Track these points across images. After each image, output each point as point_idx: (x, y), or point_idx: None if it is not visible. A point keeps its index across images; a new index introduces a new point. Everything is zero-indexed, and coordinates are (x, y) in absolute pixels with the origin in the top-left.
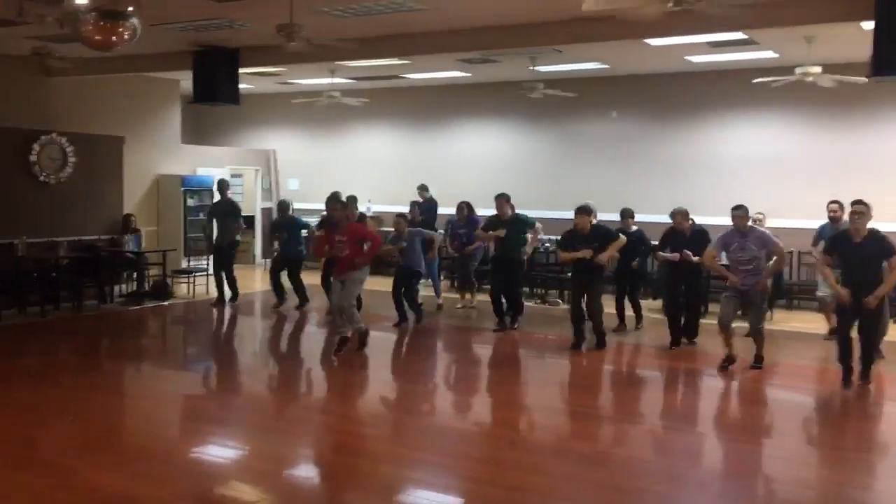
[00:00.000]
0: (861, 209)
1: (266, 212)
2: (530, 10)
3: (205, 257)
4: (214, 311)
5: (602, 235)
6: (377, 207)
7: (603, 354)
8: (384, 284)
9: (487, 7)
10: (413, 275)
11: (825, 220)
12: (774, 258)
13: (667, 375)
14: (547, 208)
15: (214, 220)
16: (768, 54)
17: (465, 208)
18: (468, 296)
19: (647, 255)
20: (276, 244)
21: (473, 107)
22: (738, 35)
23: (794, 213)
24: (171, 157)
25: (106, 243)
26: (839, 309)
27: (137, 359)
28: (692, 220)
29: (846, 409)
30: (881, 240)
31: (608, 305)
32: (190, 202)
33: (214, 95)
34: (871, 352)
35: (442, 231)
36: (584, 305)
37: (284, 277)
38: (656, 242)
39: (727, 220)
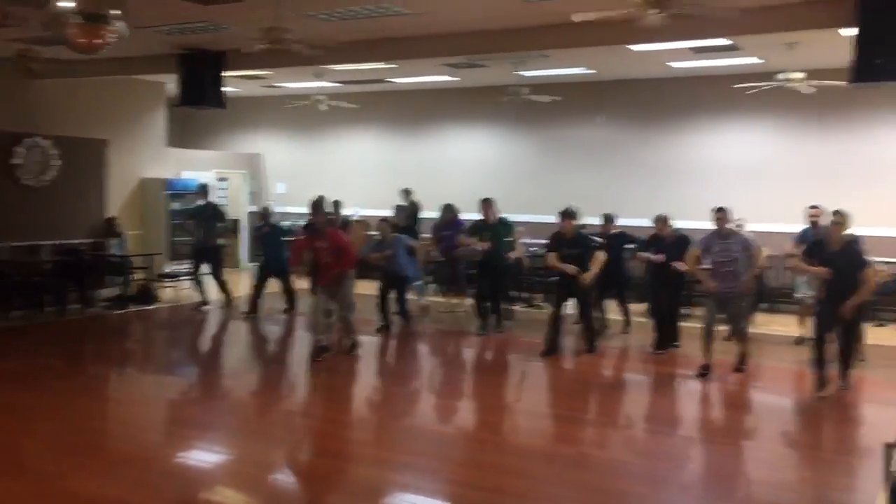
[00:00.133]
0: (839, 220)
1: (253, 216)
2: (516, 15)
3: (189, 261)
4: (199, 315)
5: (584, 243)
6: (364, 211)
7: (588, 358)
8: (371, 289)
9: (473, 12)
10: (399, 279)
11: (805, 225)
12: (751, 262)
13: (650, 379)
14: (532, 212)
15: (195, 223)
16: (751, 60)
17: (450, 211)
18: (456, 299)
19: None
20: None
21: (460, 111)
22: (722, 41)
23: (775, 218)
24: (155, 160)
25: (89, 247)
26: (816, 315)
27: (121, 363)
28: (671, 225)
29: (826, 411)
30: (855, 252)
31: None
32: (175, 206)
33: (200, 99)
34: (850, 357)
35: (428, 235)
36: (563, 312)
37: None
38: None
39: (709, 225)
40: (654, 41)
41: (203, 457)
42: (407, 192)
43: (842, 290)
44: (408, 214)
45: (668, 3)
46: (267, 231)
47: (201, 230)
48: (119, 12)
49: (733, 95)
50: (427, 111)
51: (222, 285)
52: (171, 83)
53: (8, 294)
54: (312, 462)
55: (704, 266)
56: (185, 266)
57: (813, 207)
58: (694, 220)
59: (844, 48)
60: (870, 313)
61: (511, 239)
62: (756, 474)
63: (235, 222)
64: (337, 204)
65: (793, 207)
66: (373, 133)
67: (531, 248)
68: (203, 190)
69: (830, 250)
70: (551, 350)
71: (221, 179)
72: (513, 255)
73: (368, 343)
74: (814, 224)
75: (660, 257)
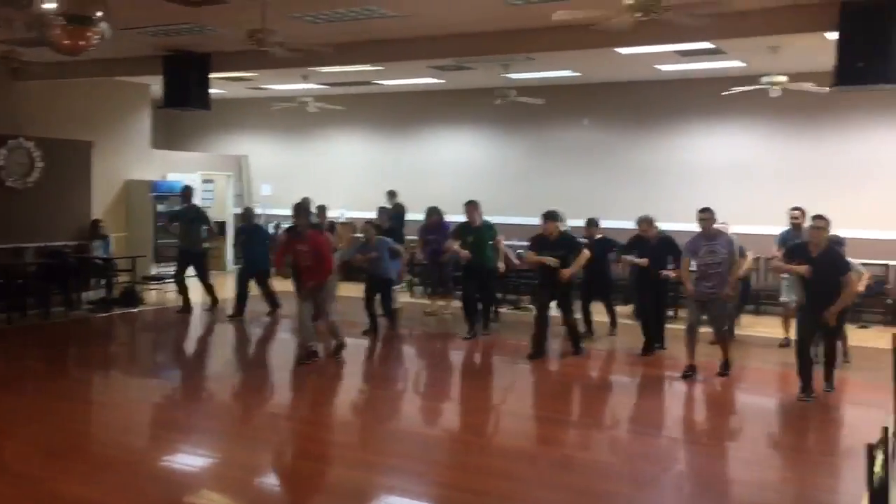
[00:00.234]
0: (820, 224)
1: (239, 218)
2: (502, 18)
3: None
4: (183, 318)
5: (567, 245)
6: (350, 213)
7: (574, 360)
8: (357, 291)
9: (460, 14)
10: (384, 282)
11: (787, 227)
12: (733, 266)
13: (635, 381)
14: (518, 214)
15: (179, 226)
16: (735, 63)
17: (435, 214)
18: (442, 301)
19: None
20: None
21: (446, 113)
22: (706, 45)
23: (760, 220)
24: (140, 162)
25: (74, 249)
26: (799, 321)
27: (105, 366)
28: (656, 227)
29: (810, 413)
30: (837, 257)
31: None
32: (160, 208)
33: (185, 100)
34: (834, 361)
35: (414, 237)
36: (548, 315)
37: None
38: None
39: (695, 227)
40: (638, 44)
41: (187, 460)
42: (392, 194)
43: (823, 295)
44: (393, 216)
45: (650, 8)
46: (248, 232)
47: (185, 233)
48: (102, 14)
49: (719, 98)
50: (413, 113)
51: (208, 288)
52: (156, 85)
53: None
54: (298, 465)
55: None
56: (170, 268)
57: (795, 209)
58: (680, 223)
59: (828, 52)
60: (850, 315)
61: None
62: (741, 475)
63: (222, 224)
64: (322, 208)
65: (778, 209)
66: (359, 135)
67: (518, 252)
68: (186, 192)
69: (812, 255)
70: (538, 352)
71: (207, 181)
72: (500, 265)
73: (355, 346)
74: (795, 226)
75: (643, 261)
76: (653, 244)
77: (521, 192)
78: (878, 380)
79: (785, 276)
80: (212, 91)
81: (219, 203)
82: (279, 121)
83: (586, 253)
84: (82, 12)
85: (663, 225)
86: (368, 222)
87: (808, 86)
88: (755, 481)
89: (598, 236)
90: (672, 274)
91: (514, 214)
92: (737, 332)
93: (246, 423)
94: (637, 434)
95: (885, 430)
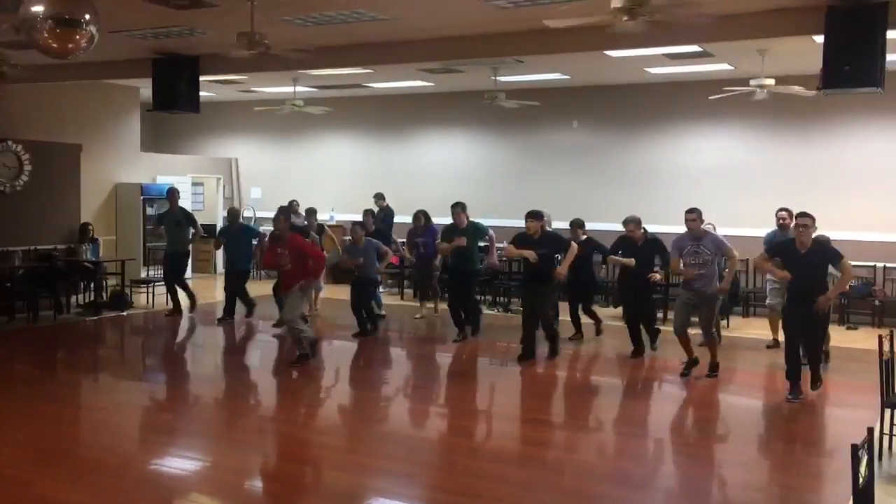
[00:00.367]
0: (806, 222)
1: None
2: (492, 21)
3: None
4: (171, 321)
5: (551, 241)
6: (340, 216)
7: (563, 363)
8: (344, 293)
9: (449, 18)
10: (369, 283)
11: (773, 228)
12: (728, 262)
13: (625, 383)
14: (508, 217)
15: (164, 229)
16: (723, 66)
17: (423, 217)
18: (430, 305)
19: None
20: (219, 251)
21: (436, 116)
22: (695, 48)
23: (748, 222)
24: (130, 165)
25: (63, 252)
26: (786, 323)
27: (94, 370)
28: (644, 228)
29: (797, 414)
30: (825, 248)
31: (564, 314)
32: (149, 211)
33: (174, 103)
34: (819, 357)
35: (402, 240)
36: (536, 316)
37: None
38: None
39: (684, 229)
40: (627, 47)
41: (177, 463)
42: (380, 197)
43: (809, 293)
44: (381, 219)
45: (640, 11)
46: (232, 233)
47: (173, 236)
48: (89, 16)
49: (708, 101)
50: (403, 116)
51: (184, 289)
52: (145, 88)
53: None
54: (287, 468)
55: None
56: (159, 271)
57: (782, 210)
58: (670, 225)
59: (816, 54)
60: (838, 316)
61: (486, 244)
62: (730, 476)
63: (212, 228)
64: (312, 211)
65: (766, 212)
66: (349, 138)
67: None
68: (171, 195)
69: (799, 252)
70: (527, 354)
71: (197, 184)
72: (493, 260)
73: (345, 349)
74: (782, 227)
75: (630, 261)
76: (639, 245)
77: (511, 195)
78: (865, 381)
79: (770, 277)
80: (202, 94)
81: (209, 206)
82: (269, 124)
83: (574, 247)
84: (70, 15)
85: (653, 227)
86: (356, 223)
87: (795, 89)
88: (743, 482)
89: (583, 237)
90: (658, 276)
91: (503, 217)
92: (725, 333)
93: (235, 426)
94: (627, 436)
95: (870, 430)
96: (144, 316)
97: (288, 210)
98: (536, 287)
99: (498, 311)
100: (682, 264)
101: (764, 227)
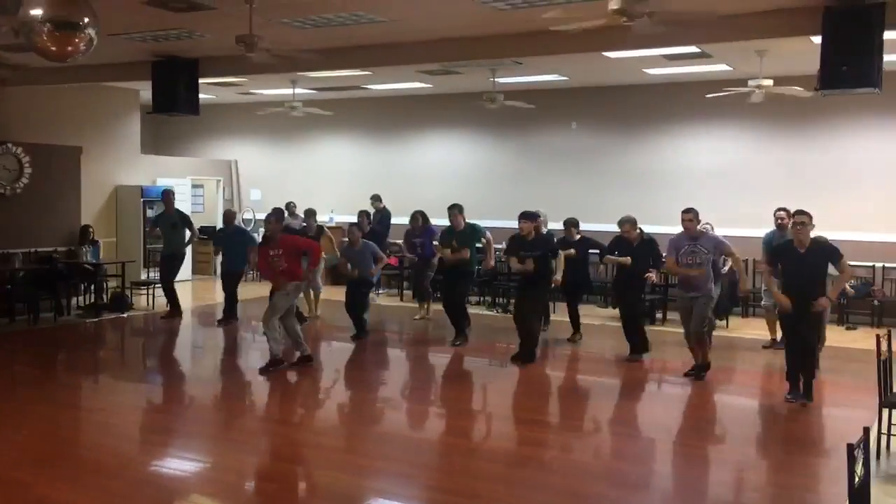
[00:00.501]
0: (803, 220)
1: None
2: (490, 23)
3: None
4: (171, 323)
5: (544, 244)
6: (339, 217)
7: (561, 363)
8: (343, 295)
9: (447, 19)
10: (363, 284)
11: (771, 228)
12: (730, 263)
13: (622, 383)
14: (507, 218)
15: (160, 231)
16: (722, 67)
17: (420, 218)
18: (425, 306)
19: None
20: (219, 256)
21: (435, 118)
22: (693, 49)
23: (747, 223)
24: (130, 167)
25: (63, 255)
26: (785, 323)
27: (94, 371)
28: (640, 229)
29: (795, 414)
30: (825, 247)
31: (563, 314)
32: (150, 213)
33: (174, 106)
34: (812, 371)
35: (400, 241)
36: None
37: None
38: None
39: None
40: (625, 48)
41: (176, 465)
42: (376, 199)
43: (811, 289)
44: (378, 220)
45: (639, 12)
46: (228, 234)
47: (169, 237)
48: (88, 19)
49: (706, 102)
50: (402, 118)
51: (171, 293)
52: (145, 90)
53: None
54: (287, 469)
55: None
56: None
57: (780, 210)
58: (668, 225)
59: (814, 55)
60: (837, 316)
61: (481, 245)
62: (727, 477)
63: (212, 229)
64: (311, 212)
65: (764, 212)
66: (348, 139)
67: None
68: (167, 197)
69: (797, 252)
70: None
71: (196, 186)
72: (490, 262)
73: (342, 350)
74: (781, 227)
75: (626, 260)
76: (634, 246)
77: (510, 196)
78: (863, 380)
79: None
80: (201, 96)
81: (209, 208)
82: (269, 126)
83: (562, 256)
84: (69, 18)
85: (652, 228)
86: (353, 225)
87: (794, 90)
88: (740, 482)
89: (578, 237)
90: (653, 277)
91: (502, 218)
92: (725, 333)
93: (234, 427)
94: (625, 436)
95: (866, 430)
96: (145, 318)
97: (279, 212)
98: (527, 290)
99: (497, 312)
100: (678, 265)
101: (763, 228)
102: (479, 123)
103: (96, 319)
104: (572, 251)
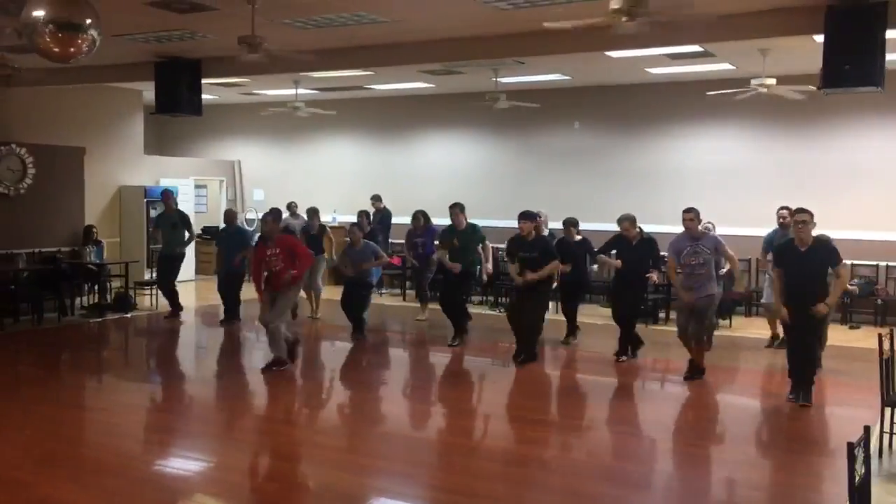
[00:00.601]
0: (804, 218)
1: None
2: (492, 23)
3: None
4: (173, 323)
5: (542, 246)
6: (342, 218)
7: (560, 363)
8: (337, 293)
9: (449, 19)
10: (363, 286)
11: (774, 227)
12: (728, 267)
13: (623, 383)
14: (509, 218)
15: (161, 231)
16: (724, 66)
17: (422, 217)
18: (423, 306)
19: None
20: (219, 257)
21: (438, 117)
22: (695, 48)
23: (750, 222)
24: (133, 167)
25: (67, 255)
26: (787, 323)
27: (98, 371)
28: (639, 228)
29: (798, 413)
30: (827, 248)
31: (560, 314)
32: (153, 213)
33: (177, 106)
34: (813, 372)
35: (400, 241)
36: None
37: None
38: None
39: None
40: (628, 48)
41: (179, 464)
42: (376, 199)
43: (812, 289)
44: (379, 220)
45: (640, 11)
46: (226, 233)
47: (168, 238)
48: (90, 21)
49: (709, 101)
50: (405, 117)
51: (169, 293)
52: (148, 91)
53: None
54: (289, 468)
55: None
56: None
57: (783, 209)
58: (671, 225)
59: (818, 54)
60: (840, 315)
61: (482, 244)
62: (728, 475)
63: (215, 229)
64: (313, 211)
65: (767, 211)
66: (351, 139)
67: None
68: (166, 197)
69: (798, 251)
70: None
71: (200, 186)
72: (488, 267)
73: (342, 350)
74: (783, 226)
75: (616, 262)
76: (633, 244)
77: (513, 196)
78: (866, 380)
79: (769, 273)
80: (204, 97)
81: (212, 208)
82: (271, 126)
83: (556, 264)
84: (72, 19)
85: (655, 227)
86: (354, 225)
87: (791, 90)
88: (743, 481)
89: (578, 238)
90: (654, 277)
91: (504, 218)
92: (728, 333)
93: (237, 426)
94: (625, 435)
95: (867, 428)
96: (148, 318)
97: (277, 212)
98: (531, 292)
99: (499, 312)
100: (676, 270)
101: (765, 227)
102: (481, 123)
103: (100, 319)
104: (567, 268)
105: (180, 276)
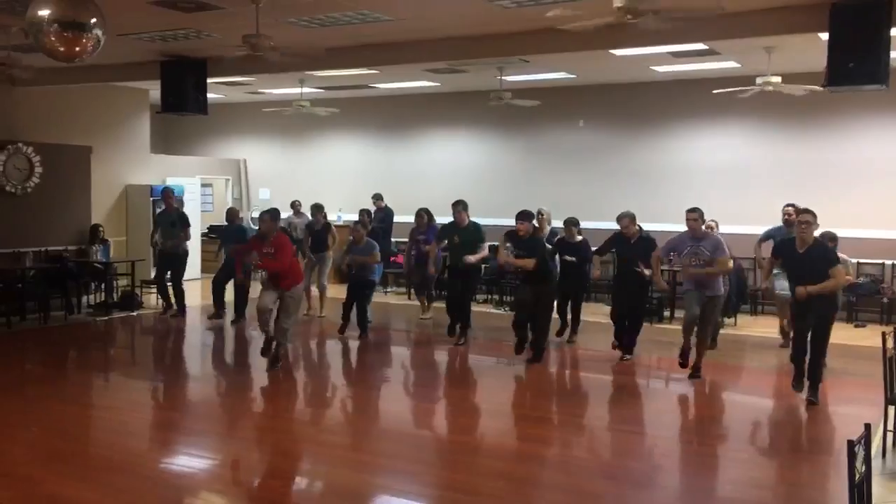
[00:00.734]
0: (808, 219)
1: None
2: (496, 21)
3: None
4: (178, 321)
5: (531, 247)
6: (347, 216)
7: (563, 361)
8: (340, 292)
9: (453, 18)
10: (366, 284)
11: (777, 224)
12: (717, 263)
13: (626, 381)
14: (514, 217)
15: (160, 230)
16: (730, 64)
17: (425, 215)
18: (428, 305)
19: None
20: (220, 253)
21: (442, 116)
22: (700, 46)
23: (755, 220)
24: (140, 166)
25: (73, 254)
26: (794, 311)
27: (104, 369)
28: (639, 226)
29: (801, 412)
30: (826, 248)
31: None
32: (159, 212)
33: (182, 106)
34: (819, 371)
35: (403, 240)
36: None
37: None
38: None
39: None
40: (632, 46)
41: (184, 462)
42: (378, 198)
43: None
44: (381, 219)
45: (644, 10)
46: (228, 232)
47: (167, 236)
48: (95, 20)
49: (714, 99)
50: (410, 116)
51: (179, 294)
52: (155, 90)
53: None
54: (294, 466)
55: (667, 268)
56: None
57: (788, 206)
58: (674, 224)
59: (823, 52)
60: (846, 313)
61: (482, 244)
62: (732, 474)
63: (220, 228)
64: (318, 207)
65: (772, 209)
66: (356, 138)
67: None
68: (165, 195)
69: (798, 251)
70: (523, 346)
71: (206, 185)
72: (470, 258)
73: (346, 349)
74: (788, 223)
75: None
76: (632, 242)
77: (517, 195)
78: (871, 378)
79: (776, 271)
80: (210, 96)
81: (218, 207)
82: (277, 125)
83: (530, 263)
84: (76, 19)
85: (659, 226)
86: (357, 222)
87: (797, 88)
88: (747, 479)
89: (579, 238)
90: (648, 272)
91: (509, 217)
92: (733, 331)
93: (242, 424)
94: (628, 433)
95: (868, 426)
96: (154, 316)
97: (275, 211)
98: (538, 287)
99: (505, 310)
100: (676, 265)
101: (770, 226)
102: (486, 121)
103: (106, 318)
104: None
105: (186, 275)
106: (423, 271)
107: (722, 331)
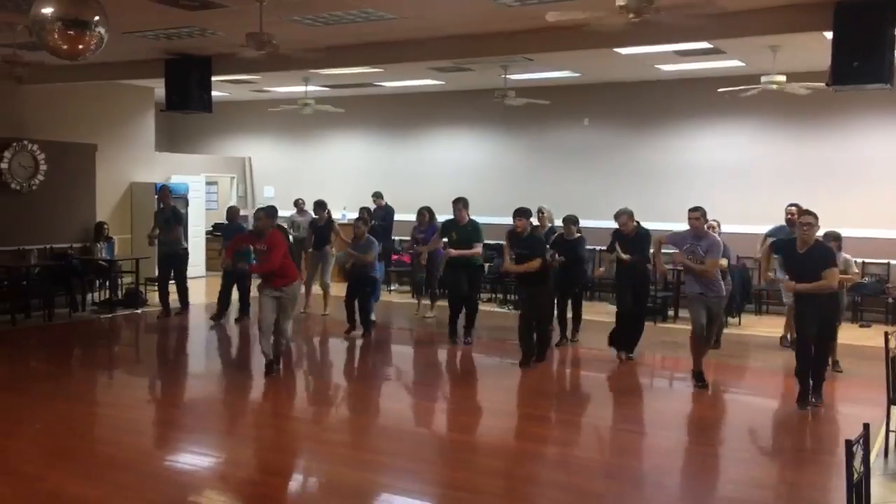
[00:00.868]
0: (810, 220)
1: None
2: (501, 19)
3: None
4: (181, 319)
5: (531, 244)
6: (351, 214)
7: (564, 360)
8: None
9: (457, 16)
10: (367, 281)
11: (780, 223)
12: (708, 260)
13: (629, 381)
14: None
15: (159, 228)
16: (734, 63)
17: (427, 213)
18: (432, 304)
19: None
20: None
21: (447, 114)
22: (705, 44)
23: (758, 220)
24: (145, 164)
25: (78, 251)
26: (798, 321)
27: (109, 367)
28: (637, 222)
29: (805, 412)
30: (826, 249)
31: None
32: (157, 209)
33: (187, 103)
34: (823, 372)
35: (405, 238)
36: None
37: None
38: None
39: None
40: (636, 45)
41: (189, 460)
42: (378, 196)
43: (810, 294)
44: (381, 217)
45: (646, 8)
46: (229, 231)
47: (166, 234)
48: (98, 18)
49: (718, 98)
50: (414, 115)
51: (183, 292)
52: (159, 88)
53: None
54: (299, 464)
55: (671, 267)
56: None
57: (792, 205)
58: (679, 223)
59: (827, 51)
60: (851, 314)
61: (477, 243)
62: (732, 474)
63: (223, 227)
64: (321, 204)
65: (776, 209)
66: (360, 136)
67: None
68: (162, 192)
69: (798, 251)
70: (529, 360)
71: (210, 183)
72: (452, 252)
73: (349, 347)
74: (790, 223)
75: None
76: (631, 239)
77: (521, 193)
78: (875, 378)
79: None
80: (215, 94)
81: (223, 205)
82: (282, 123)
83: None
84: (79, 17)
85: (663, 225)
86: (358, 220)
87: (801, 87)
88: (748, 479)
89: (577, 235)
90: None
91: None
92: (738, 331)
93: (245, 422)
94: (629, 433)
95: (866, 426)
96: (159, 314)
97: (272, 209)
98: (534, 287)
99: (508, 309)
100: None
101: (774, 225)
102: (490, 120)
103: (110, 315)
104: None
105: (189, 273)
106: (430, 272)
107: (726, 330)
